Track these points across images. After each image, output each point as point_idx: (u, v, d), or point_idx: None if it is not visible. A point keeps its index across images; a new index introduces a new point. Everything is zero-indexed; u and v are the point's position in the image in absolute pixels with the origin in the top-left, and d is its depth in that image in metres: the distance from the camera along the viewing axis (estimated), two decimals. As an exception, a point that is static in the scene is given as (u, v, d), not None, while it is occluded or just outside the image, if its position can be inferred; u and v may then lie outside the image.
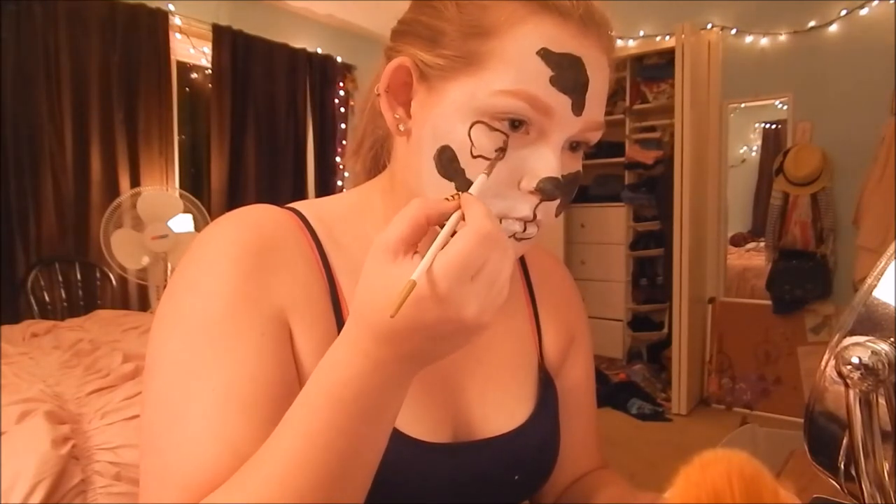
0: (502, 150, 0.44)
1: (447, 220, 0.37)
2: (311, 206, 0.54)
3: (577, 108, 0.44)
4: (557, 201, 0.46)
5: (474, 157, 0.44)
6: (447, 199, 0.38)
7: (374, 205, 0.56)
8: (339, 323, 0.49)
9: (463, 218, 0.36)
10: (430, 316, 0.34)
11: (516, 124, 0.44)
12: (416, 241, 0.36)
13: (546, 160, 0.44)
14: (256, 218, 0.49)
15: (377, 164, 0.59)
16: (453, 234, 0.35)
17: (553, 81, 0.43)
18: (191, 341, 0.43)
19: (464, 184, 0.44)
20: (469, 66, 0.44)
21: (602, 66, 0.46)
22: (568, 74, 0.43)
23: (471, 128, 0.44)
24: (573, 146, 0.48)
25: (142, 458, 0.43)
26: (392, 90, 0.48)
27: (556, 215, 0.48)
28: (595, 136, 0.48)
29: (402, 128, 0.48)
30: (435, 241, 0.35)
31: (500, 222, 0.46)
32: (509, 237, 0.46)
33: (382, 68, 0.50)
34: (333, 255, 0.51)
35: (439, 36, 0.45)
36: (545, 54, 0.43)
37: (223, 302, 0.43)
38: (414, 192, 0.50)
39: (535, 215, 0.46)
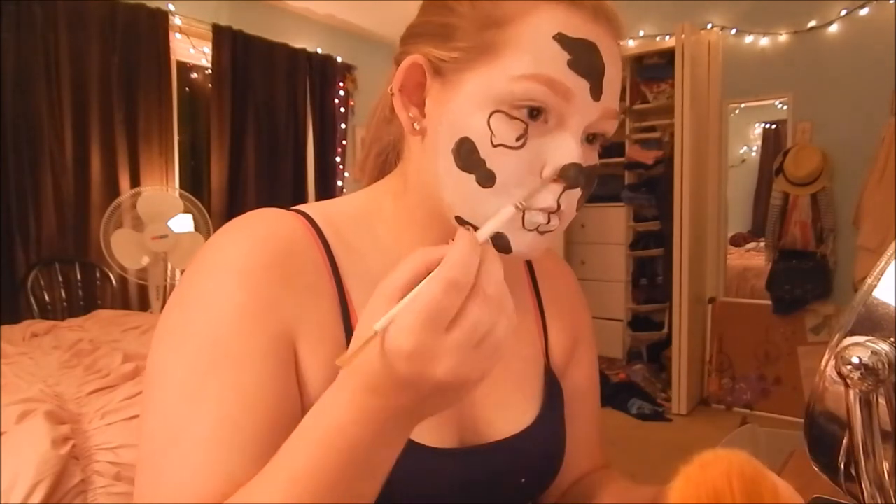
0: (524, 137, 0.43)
1: None
2: (319, 209, 0.53)
3: (596, 92, 0.44)
4: (580, 192, 0.45)
5: (495, 146, 0.43)
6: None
7: (384, 207, 0.55)
8: (348, 334, 0.48)
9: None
10: (403, 370, 0.32)
11: (535, 113, 0.43)
12: None
13: (567, 147, 0.43)
14: (267, 225, 0.48)
15: (384, 168, 0.59)
16: None
17: (571, 65, 0.42)
18: (194, 360, 0.42)
19: (484, 175, 0.43)
20: (484, 55, 0.44)
21: (615, 54, 0.46)
22: (585, 58, 0.43)
23: (490, 117, 0.43)
24: (590, 138, 0.47)
25: (139, 468, 0.42)
26: (406, 90, 0.48)
27: (577, 209, 0.47)
28: (612, 126, 0.47)
29: (417, 126, 0.48)
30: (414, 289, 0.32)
31: (524, 215, 0.44)
32: (533, 230, 0.45)
33: (392, 74, 0.49)
34: (343, 260, 0.50)
35: (452, 31, 0.45)
36: (561, 38, 0.43)
37: (229, 320, 0.43)
38: (432, 192, 0.49)
39: (559, 205, 0.44)
